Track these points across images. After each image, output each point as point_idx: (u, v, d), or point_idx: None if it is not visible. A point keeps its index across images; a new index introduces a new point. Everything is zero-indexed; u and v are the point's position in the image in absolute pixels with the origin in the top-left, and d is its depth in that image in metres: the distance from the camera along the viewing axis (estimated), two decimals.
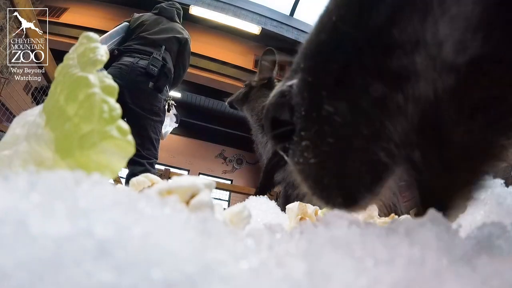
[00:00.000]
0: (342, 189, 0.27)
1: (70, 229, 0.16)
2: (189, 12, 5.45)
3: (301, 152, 0.26)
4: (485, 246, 0.24)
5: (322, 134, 0.25)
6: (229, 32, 5.93)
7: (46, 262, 0.14)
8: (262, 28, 5.56)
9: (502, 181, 0.39)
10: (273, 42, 6.09)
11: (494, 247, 0.23)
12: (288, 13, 5.89)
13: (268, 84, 1.79)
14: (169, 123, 2.40)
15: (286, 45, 5.90)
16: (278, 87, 0.31)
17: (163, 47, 2.11)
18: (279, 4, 5.84)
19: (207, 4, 5.49)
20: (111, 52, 2.00)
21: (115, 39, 2.18)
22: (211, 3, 5.53)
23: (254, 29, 5.62)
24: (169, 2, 2.52)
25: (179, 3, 5.33)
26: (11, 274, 0.13)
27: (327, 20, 0.29)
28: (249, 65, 6.02)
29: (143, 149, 1.94)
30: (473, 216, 0.38)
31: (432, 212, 0.24)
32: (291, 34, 5.70)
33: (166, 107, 2.12)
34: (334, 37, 0.27)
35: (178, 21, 2.41)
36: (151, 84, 1.95)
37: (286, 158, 0.28)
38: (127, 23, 2.32)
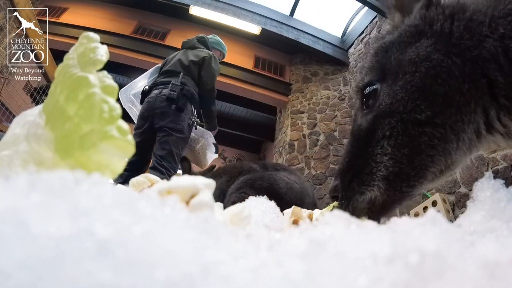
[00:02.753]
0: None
1: (70, 229, 0.16)
2: (189, 12, 5.45)
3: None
4: (484, 246, 0.24)
5: (344, 200, 0.53)
6: (229, 32, 5.93)
7: (46, 261, 0.14)
8: (262, 28, 5.56)
9: (502, 182, 0.39)
10: (273, 42, 6.10)
11: (492, 247, 0.23)
12: (288, 13, 5.89)
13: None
14: (208, 154, 2.64)
15: (286, 45, 5.91)
16: (333, 184, 0.57)
17: (181, 73, 2.43)
18: (279, 4, 5.84)
19: (207, 4, 5.49)
20: (143, 89, 2.45)
21: (149, 79, 2.61)
22: (211, 3, 5.52)
23: (254, 29, 5.62)
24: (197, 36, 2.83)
25: (179, 3, 5.36)
26: (11, 274, 0.13)
27: (345, 158, 0.56)
28: (249, 65, 6.02)
29: (165, 161, 2.17)
30: (473, 217, 0.38)
31: (432, 212, 0.24)
32: (291, 34, 5.70)
33: (192, 123, 2.37)
34: (346, 166, 0.55)
35: (202, 47, 2.69)
36: (173, 106, 2.26)
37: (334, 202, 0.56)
38: (159, 65, 2.74)
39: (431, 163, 0.48)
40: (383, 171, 0.49)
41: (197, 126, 2.44)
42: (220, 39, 3.00)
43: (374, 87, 0.53)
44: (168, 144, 2.19)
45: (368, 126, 0.52)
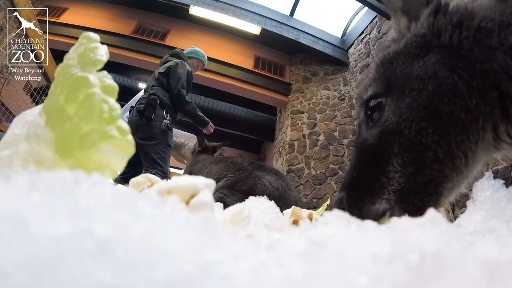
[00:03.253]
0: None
1: (70, 229, 0.16)
2: (189, 12, 5.45)
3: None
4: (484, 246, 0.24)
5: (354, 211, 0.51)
6: (229, 32, 5.93)
7: (46, 261, 0.14)
8: (262, 28, 5.56)
9: (502, 182, 0.39)
10: (273, 42, 6.10)
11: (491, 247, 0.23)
12: (288, 13, 5.88)
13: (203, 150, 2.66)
14: None
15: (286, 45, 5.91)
16: (339, 196, 0.55)
17: (149, 86, 2.70)
18: (279, 4, 5.84)
19: (207, 4, 5.49)
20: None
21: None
22: (211, 3, 5.52)
23: (254, 29, 5.62)
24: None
25: (179, 3, 5.36)
26: (11, 273, 0.13)
27: (352, 171, 0.55)
28: (249, 65, 6.02)
29: (151, 168, 2.39)
30: (473, 217, 0.38)
31: (432, 212, 0.24)
32: (291, 34, 5.70)
33: (164, 127, 2.57)
34: (353, 180, 0.54)
35: (173, 59, 2.88)
36: (142, 118, 2.53)
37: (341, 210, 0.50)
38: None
39: (442, 179, 0.48)
40: (394, 185, 0.48)
41: (181, 131, 2.75)
42: (197, 49, 3.18)
43: (379, 100, 0.53)
44: (148, 154, 2.45)
45: (374, 142, 0.52)
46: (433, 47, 0.51)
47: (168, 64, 2.80)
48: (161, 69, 2.78)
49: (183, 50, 3.03)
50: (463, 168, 0.49)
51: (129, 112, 2.71)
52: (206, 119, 2.74)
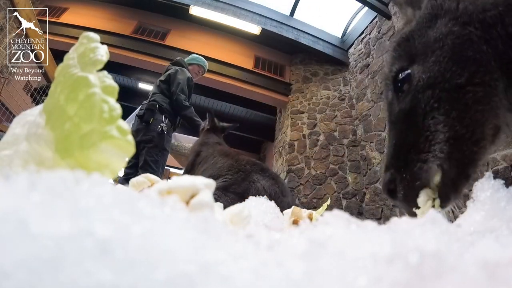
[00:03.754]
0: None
1: (70, 229, 0.16)
2: (189, 12, 5.45)
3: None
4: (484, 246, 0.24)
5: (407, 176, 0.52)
6: (229, 32, 5.93)
7: (46, 261, 0.14)
8: (262, 28, 5.56)
9: (502, 182, 0.39)
10: (273, 42, 6.09)
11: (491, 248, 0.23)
12: (288, 13, 5.88)
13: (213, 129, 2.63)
14: None
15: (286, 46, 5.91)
16: (386, 178, 0.54)
17: (151, 93, 2.87)
18: (279, 4, 5.84)
19: (207, 4, 5.48)
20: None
21: None
22: (211, 3, 5.52)
23: (254, 29, 5.62)
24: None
25: (179, 3, 5.36)
26: (11, 273, 0.13)
27: (393, 146, 0.55)
28: (249, 65, 6.02)
29: (142, 170, 2.51)
30: (473, 217, 0.38)
31: (432, 213, 0.24)
32: (291, 34, 5.70)
33: (162, 130, 2.67)
34: (397, 153, 0.54)
35: (173, 67, 3.01)
36: (142, 122, 2.68)
37: (392, 196, 0.54)
38: None
39: (484, 120, 0.50)
40: (441, 137, 0.49)
41: (184, 135, 2.86)
42: (197, 55, 3.31)
43: (407, 71, 0.56)
44: (143, 156, 2.59)
45: (410, 106, 0.54)
46: (440, 16, 0.57)
47: (168, 71, 2.94)
48: (162, 77, 2.93)
49: (184, 58, 3.18)
50: (501, 107, 0.52)
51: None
52: (200, 124, 2.82)
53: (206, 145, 2.38)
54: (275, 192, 1.73)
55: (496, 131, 0.52)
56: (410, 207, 0.50)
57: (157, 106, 2.71)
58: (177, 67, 2.97)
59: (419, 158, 0.50)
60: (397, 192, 0.52)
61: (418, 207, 0.49)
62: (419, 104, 0.52)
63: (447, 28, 0.54)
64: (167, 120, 2.73)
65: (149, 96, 2.85)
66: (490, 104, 0.50)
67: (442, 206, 0.48)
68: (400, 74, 0.57)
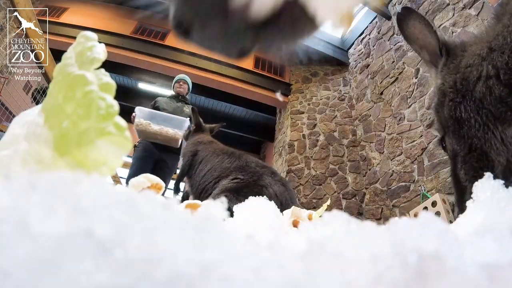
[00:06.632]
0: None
1: (70, 229, 0.16)
2: None
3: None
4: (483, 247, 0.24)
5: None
6: None
7: (46, 261, 0.14)
8: None
9: (502, 182, 0.39)
10: None
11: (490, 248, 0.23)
12: None
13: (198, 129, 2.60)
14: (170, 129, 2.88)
15: None
16: (457, 211, 0.74)
17: None
18: None
19: None
20: None
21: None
22: None
23: None
24: None
25: None
26: (11, 273, 0.13)
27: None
28: (249, 66, 6.02)
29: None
30: (473, 217, 0.38)
31: (431, 213, 0.24)
32: None
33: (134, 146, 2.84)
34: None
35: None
36: None
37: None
38: None
39: (485, 164, 0.70)
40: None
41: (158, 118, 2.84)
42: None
43: (442, 141, 0.81)
44: None
45: (452, 166, 0.77)
46: (446, 93, 0.76)
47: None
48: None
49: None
50: (497, 155, 0.69)
51: None
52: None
53: (202, 144, 2.29)
54: (286, 199, 1.71)
55: (509, 169, 0.69)
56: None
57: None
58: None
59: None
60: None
61: None
62: (454, 165, 0.75)
63: (448, 110, 0.74)
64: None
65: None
66: (489, 160, 0.69)
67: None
68: (443, 142, 0.80)
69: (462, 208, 0.67)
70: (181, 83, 3.37)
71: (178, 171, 2.41)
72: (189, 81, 3.46)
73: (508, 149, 0.69)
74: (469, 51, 0.75)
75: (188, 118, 2.72)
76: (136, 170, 2.65)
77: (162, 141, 2.65)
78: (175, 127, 2.61)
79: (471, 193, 0.61)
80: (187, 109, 3.11)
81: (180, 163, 2.50)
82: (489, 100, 0.69)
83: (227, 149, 2.14)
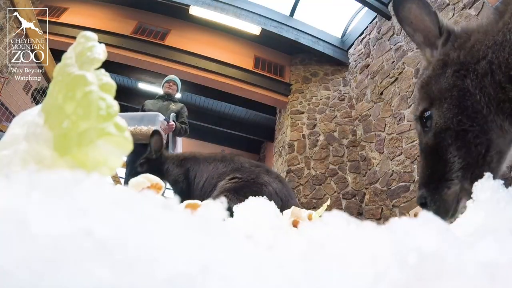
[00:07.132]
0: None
1: (70, 228, 0.16)
2: (189, 12, 5.45)
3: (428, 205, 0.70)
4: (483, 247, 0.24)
5: (434, 197, 0.69)
6: (229, 32, 5.93)
7: (46, 260, 0.14)
8: (262, 28, 5.55)
9: (502, 182, 0.39)
10: (273, 43, 6.10)
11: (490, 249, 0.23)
12: (288, 13, 5.88)
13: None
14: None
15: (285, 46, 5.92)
16: (419, 193, 0.72)
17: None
18: (279, 5, 5.84)
19: (207, 4, 5.48)
20: None
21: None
22: (211, 3, 5.52)
23: (254, 29, 5.62)
24: None
25: (179, 3, 5.36)
26: (11, 273, 0.13)
27: (424, 170, 0.73)
28: (249, 66, 6.02)
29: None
30: (473, 217, 0.38)
31: (430, 213, 0.24)
32: (291, 35, 5.70)
33: None
34: (427, 176, 0.72)
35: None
36: None
37: (424, 207, 0.70)
38: None
39: (485, 149, 0.66)
40: (457, 166, 0.67)
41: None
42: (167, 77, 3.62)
43: (428, 113, 0.74)
44: None
45: (432, 142, 0.72)
46: (448, 65, 0.72)
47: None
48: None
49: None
50: (497, 138, 0.66)
51: None
52: None
53: (187, 160, 2.08)
54: (285, 196, 1.71)
55: (501, 155, 0.68)
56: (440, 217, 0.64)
57: None
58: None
59: (445, 185, 0.68)
60: (428, 206, 0.69)
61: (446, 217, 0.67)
62: (439, 140, 0.70)
63: (452, 80, 0.70)
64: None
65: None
66: (488, 138, 0.66)
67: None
68: (425, 113, 0.74)
69: (432, 188, 0.69)
70: (170, 83, 3.44)
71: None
72: (179, 82, 3.55)
73: (505, 137, 0.67)
74: (473, 35, 0.72)
75: (174, 114, 2.83)
76: (129, 173, 2.74)
77: (142, 140, 2.62)
78: (148, 124, 2.72)
79: (463, 171, 0.65)
80: (174, 106, 3.20)
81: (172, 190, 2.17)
82: (491, 81, 0.65)
83: (215, 155, 2.07)
